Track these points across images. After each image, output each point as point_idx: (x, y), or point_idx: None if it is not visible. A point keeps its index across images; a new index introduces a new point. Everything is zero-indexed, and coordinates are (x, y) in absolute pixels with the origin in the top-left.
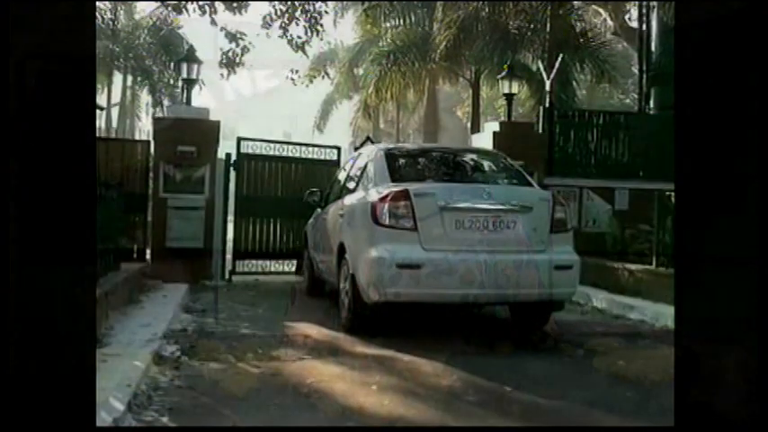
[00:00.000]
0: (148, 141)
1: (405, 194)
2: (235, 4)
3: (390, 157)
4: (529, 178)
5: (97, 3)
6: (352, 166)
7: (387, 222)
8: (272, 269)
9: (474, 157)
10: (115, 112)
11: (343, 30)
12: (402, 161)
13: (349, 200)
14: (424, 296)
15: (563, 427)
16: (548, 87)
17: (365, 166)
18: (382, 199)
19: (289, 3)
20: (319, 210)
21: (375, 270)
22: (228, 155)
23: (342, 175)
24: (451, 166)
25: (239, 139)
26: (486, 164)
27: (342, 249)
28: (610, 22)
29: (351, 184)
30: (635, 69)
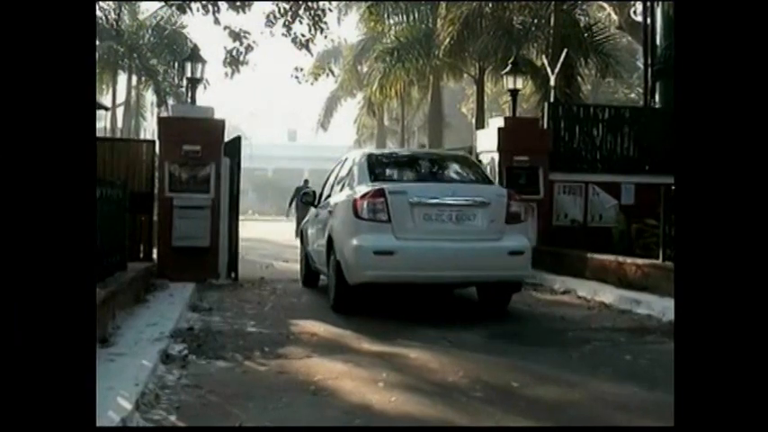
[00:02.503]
0: (153, 141)
1: (381, 192)
2: (238, 3)
3: (372, 160)
4: (489, 177)
5: (101, 3)
6: (340, 169)
7: (366, 216)
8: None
9: (445, 159)
10: (120, 111)
11: (347, 27)
12: (382, 164)
13: (336, 198)
14: (397, 277)
15: (563, 427)
16: (552, 82)
17: (350, 169)
18: (362, 197)
19: (292, 1)
20: (313, 209)
21: (356, 256)
22: (233, 154)
23: (332, 178)
24: (424, 168)
25: (239, 138)
26: (455, 165)
27: (330, 241)
28: (614, 17)
29: (339, 185)
30: (640, 64)
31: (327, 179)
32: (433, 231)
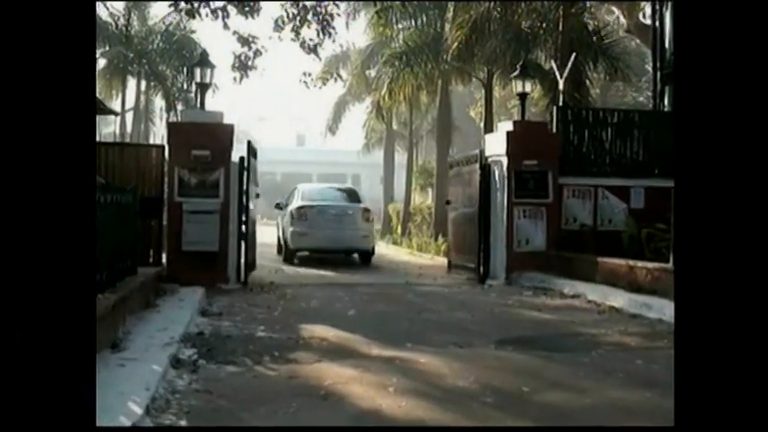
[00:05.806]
0: (163, 146)
1: (304, 207)
2: (247, 8)
3: (305, 188)
4: (360, 197)
5: (111, 8)
6: (294, 192)
7: (297, 217)
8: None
9: (341, 189)
10: (129, 116)
11: (356, 32)
12: (309, 191)
13: (289, 207)
14: (311, 246)
15: (564, 427)
16: (561, 86)
17: (296, 193)
18: (296, 209)
19: (300, 5)
20: (281, 210)
21: (292, 235)
22: (242, 158)
23: (291, 194)
24: (328, 194)
25: (249, 143)
26: (345, 193)
27: (284, 229)
28: (623, 20)
29: (291, 199)
30: (648, 67)
31: (290, 195)
32: (328, 225)
